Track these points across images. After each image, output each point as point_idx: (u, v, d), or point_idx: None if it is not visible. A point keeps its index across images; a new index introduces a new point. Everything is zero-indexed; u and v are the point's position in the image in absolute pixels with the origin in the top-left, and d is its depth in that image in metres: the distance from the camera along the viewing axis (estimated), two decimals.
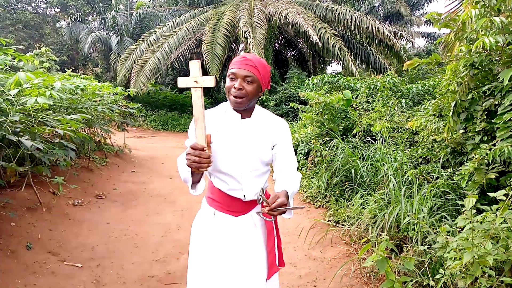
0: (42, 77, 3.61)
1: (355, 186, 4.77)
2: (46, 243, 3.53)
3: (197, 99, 1.50)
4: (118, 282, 3.08)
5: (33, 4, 21.16)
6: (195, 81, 1.49)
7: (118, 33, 16.75)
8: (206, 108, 1.64)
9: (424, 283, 2.71)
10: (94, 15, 19.47)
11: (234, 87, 1.64)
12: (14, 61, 4.15)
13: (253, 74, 1.66)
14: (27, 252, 3.28)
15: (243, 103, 1.67)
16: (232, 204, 1.77)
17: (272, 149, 1.80)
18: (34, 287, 2.85)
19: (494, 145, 2.77)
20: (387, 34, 12.33)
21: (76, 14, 18.44)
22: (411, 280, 2.72)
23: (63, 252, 3.47)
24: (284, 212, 1.59)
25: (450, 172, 3.63)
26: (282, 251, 1.91)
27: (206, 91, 21.53)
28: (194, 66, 1.49)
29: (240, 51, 19.24)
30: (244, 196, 1.76)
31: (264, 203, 1.58)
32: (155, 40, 13.87)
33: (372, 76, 10.47)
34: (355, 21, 12.56)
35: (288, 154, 1.82)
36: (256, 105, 1.81)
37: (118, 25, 17.06)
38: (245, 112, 1.76)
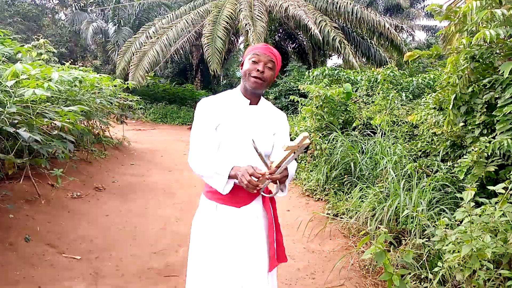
0: (40, 68, 3.58)
1: (354, 179, 4.77)
2: (44, 235, 3.53)
3: (290, 158, 1.55)
4: (116, 274, 3.08)
5: None
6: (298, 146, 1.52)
7: (116, 22, 16.62)
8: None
9: (422, 276, 2.71)
10: (94, 6, 19.32)
11: (258, 70, 1.70)
12: (12, 52, 4.12)
13: (274, 62, 1.76)
14: (25, 244, 3.28)
15: (262, 87, 1.74)
16: (235, 194, 1.73)
17: (272, 137, 1.85)
18: (32, 279, 2.85)
19: (494, 138, 2.76)
20: (388, 27, 12.27)
21: (76, 5, 18.23)
22: (410, 273, 2.73)
23: (62, 244, 3.47)
24: (286, 178, 1.62)
25: (449, 166, 3.63)
26: (283, 246, 1.90)
27: (206, 84, 21.49)
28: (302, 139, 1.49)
29: (240, 43, 19.16)
30: None
31: (263, 160, 1.58)
32: (154, 32, 13.79)
33: (373, 69, 10.43)
34: (356, 14, 12.49)
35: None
36: None
37: (118, 14, 16.95)
38: (254, 98, 1.82)
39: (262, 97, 1.87)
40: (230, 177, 1.64)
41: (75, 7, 17.89)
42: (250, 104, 1.81)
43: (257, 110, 1.82)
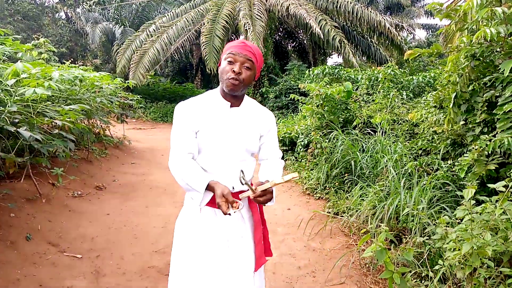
0: (40, 67, 3.59)
1: (355, 178, 4.77)
2: (46, 234, 3.53)
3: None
4: (118, 273, 3.08)
5: None
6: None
7: (121, 24, 16.55)
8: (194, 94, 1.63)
9: (423, 274, 2.72)
10: (94, 6, 19.28)
11: (233, 71, 1.62)
12: (12, 50, 4.12)
13: (253, 61, 1.65)
14: (27, 243, 3.29)
15: (239, 88, 1.65)
16: None
17: (259, 139, 1.82)
18: (34, 277, 2.86)
19: (494, 136, 2.76)
20: (388, 27, 12.25)
21: (87, 4, 18.06)
22: (410, 271, 2.73)
23: (63, 243, 3.48)
24: (270, 199, 1.64)
25: (450, 164, 3.63)
26: (269, 241, 1.90)
27: (206, 83, 21.46)
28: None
29: None
30: (233, 188, 1.73)
31: (247, 188, 1.60)
32: (154, 30, 13.77)
33: (373, 67, 10.42)
34: (356, 13, 12.46)
35: (275, 145, 1.89)
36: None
37: (120, 15, 16.89)
38: (235, 100, 1.74)
39: (246, 96, 1.80)
40: (207, 189, 1.63)
41: (85, 7, 17.69)
42: (231, 106, 1.72)
43: (239, 112, 1.74)
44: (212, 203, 1.71)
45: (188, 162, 1.66)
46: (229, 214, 1.55)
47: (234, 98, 1.72)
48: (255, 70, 1.68)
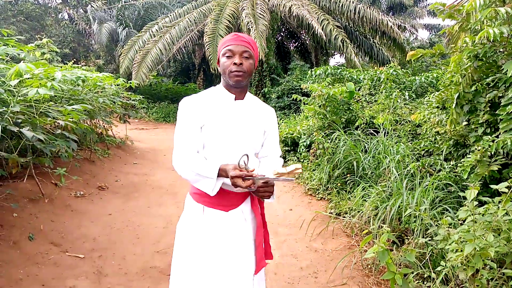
0: (43, 68, 3.60)
1: (357, 179, 4.76)
2: (48, 234, 3.54)
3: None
4: (119, 273, 3.09)
5: None
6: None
7: (125, 25, 16.55)
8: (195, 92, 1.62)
9: (425, 275, 2.71)
10: (101, 5, 19.28)
11: (235, 63, 1.64)
12: (15, 52, 4.14)
13: (249, 50, 1.68)
14: (29, 242, 3.30)
15: (243, 79, 1.67)
16: (223, 197, 1.69)
17: (263, 134, 1.83)
18: (36, 277, 2.87)
19: (497, 137, 2.75)
20: (391, 26, 12.21)
21: (90, 3, 18.00)
22: (412, 272, 2.72)
23: (65, 243, 3.49)
24: (271, 193, 1.63)
25: (452, 165, 3.61)
26: (269, 244, 1.90)
27: (209, 83, 21.46)
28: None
29: None
30: None
31: (246, 172, 1.57)
32: (157, 30, 13.78)
33: (375, 68, 10.40)
34: (359, 12, 12.42)
35: (276, 142, 1.90)
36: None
37: (124, 16, 16.88)
38: (239, 93, 1.75)
39: (248, 91, 1.81)
40: (218, 175, 1.61)
41: (94, 6, 17.61)
42: (235, 99, 1.73)
43: (244, 105, 1.75)
44: (215, 204, 1.71)
45: (194, 154, 1.67)
46: (249, 188, 1.55)
47: (238, 90, 1.74)
48: (254, 58, 1.71)
